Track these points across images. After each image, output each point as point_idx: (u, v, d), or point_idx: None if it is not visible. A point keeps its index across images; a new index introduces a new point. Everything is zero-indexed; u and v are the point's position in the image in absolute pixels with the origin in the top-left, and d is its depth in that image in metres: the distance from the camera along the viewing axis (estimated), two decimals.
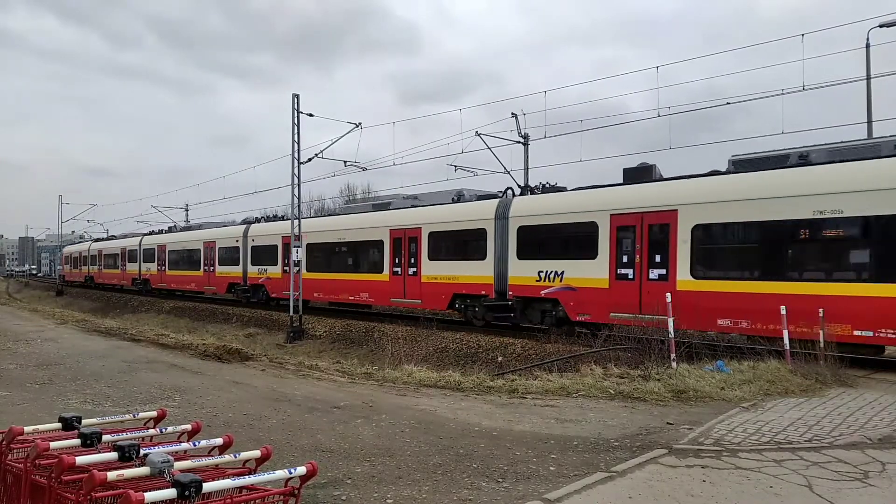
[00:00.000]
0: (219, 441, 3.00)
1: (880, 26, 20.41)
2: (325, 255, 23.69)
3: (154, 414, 3.56)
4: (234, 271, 28.56)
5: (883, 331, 10.72)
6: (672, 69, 43.70)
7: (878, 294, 10.77)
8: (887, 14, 20.40)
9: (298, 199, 22.31)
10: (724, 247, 13.00)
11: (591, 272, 14.82)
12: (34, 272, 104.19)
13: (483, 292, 17.55)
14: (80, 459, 2.51)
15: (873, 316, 10.76)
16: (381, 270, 20.74)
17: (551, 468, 5.47)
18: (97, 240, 51.23)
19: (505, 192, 18.36)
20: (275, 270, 25.93)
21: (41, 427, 3.16)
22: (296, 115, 21.89)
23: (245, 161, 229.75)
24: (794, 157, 12.66)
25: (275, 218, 28.92)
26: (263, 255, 26.83)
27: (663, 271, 13.55)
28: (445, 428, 6.93)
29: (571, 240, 15.44)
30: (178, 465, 2.52)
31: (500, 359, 15.49)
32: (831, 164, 11.79)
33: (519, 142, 27.37)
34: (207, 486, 2.33)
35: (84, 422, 3.17)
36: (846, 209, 11.10)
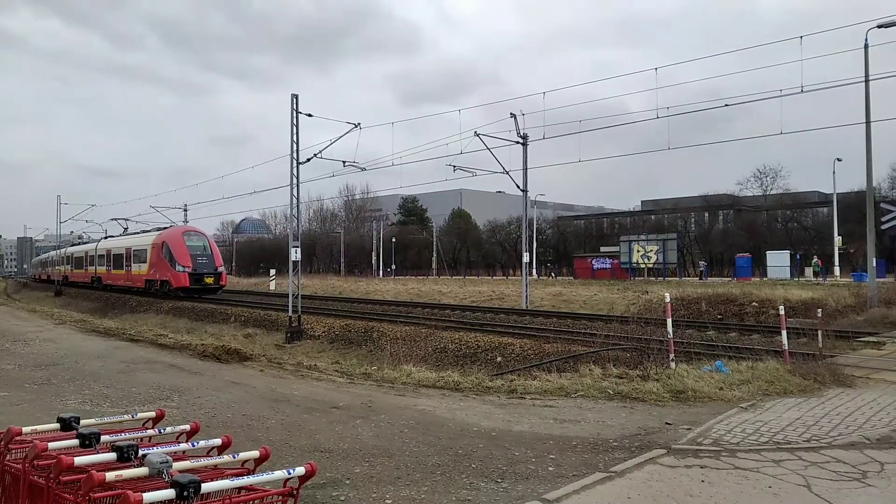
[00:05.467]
0: (217, 441, 2.99)
1: (879, 27, 20.45)
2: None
3: (153, 414, 3.55)
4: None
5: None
6: (671, 70, 43.74)
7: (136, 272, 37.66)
8: (886, 15, 20.41)
9: (297, 199, 22.31)
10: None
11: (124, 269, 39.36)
12: None
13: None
14: (79, 460, 2.50)
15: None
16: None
17: (550, 468, 5.47)
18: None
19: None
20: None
21: (39, 427, 3.15)
22: (295, 115, 21.89)
23: (245, 161, 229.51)
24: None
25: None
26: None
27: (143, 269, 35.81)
28: (444, 428, 6.93)
29: (132, 254, 38.44)
30: (177, 465, 2.51)
31: (499, 359, 15.50)
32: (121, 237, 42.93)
33: (518, 142, 27.39)
34: (206, 487, 2.33)
35: (82, 422, 3.16)
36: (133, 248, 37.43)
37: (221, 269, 34.38)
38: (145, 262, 36.17)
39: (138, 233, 42.64)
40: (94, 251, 46.73)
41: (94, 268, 45.77)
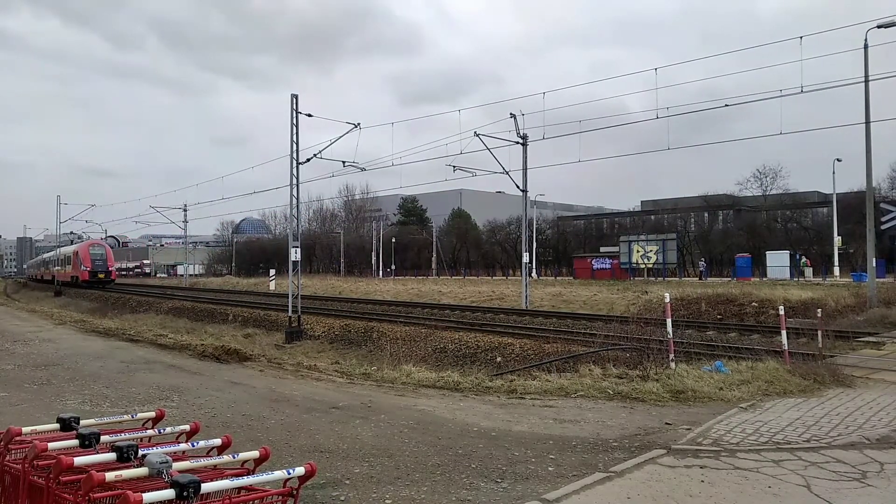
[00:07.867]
0: (217, 441, 2.98)
1: (879, 27, 20.46)
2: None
3: (152, 414, 3.54)
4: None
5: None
6: (670, 70, 43.75)
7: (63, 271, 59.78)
8: (886, 16, 20.42)
9: (297, 199, 22.32)
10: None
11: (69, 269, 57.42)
12: None
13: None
14: (79, 460, 2.50)
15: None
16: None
17: (550, 468, 5.47)
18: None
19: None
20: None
21: (39, 427, 3.15)
22: (295, 115, 21.89)
23: (244, 161, 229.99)
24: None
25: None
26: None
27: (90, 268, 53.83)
28: (444, 428, 6.93)
29: (67, 258, 58.50)
30: (177, 465, 2.51)
31: (498, 359, 15.51)
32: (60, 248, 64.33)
33: (518, 142, 27.40)
34: (206, 487, 2.33)
35: (82, 422, 3.15)
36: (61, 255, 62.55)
37: (112, 268, 55.70)
38: (70, 264, 55.86)
39: (73, 244, 63.43)
40: (55, 256, 65.16)
41: (54, 268, 64.41)
